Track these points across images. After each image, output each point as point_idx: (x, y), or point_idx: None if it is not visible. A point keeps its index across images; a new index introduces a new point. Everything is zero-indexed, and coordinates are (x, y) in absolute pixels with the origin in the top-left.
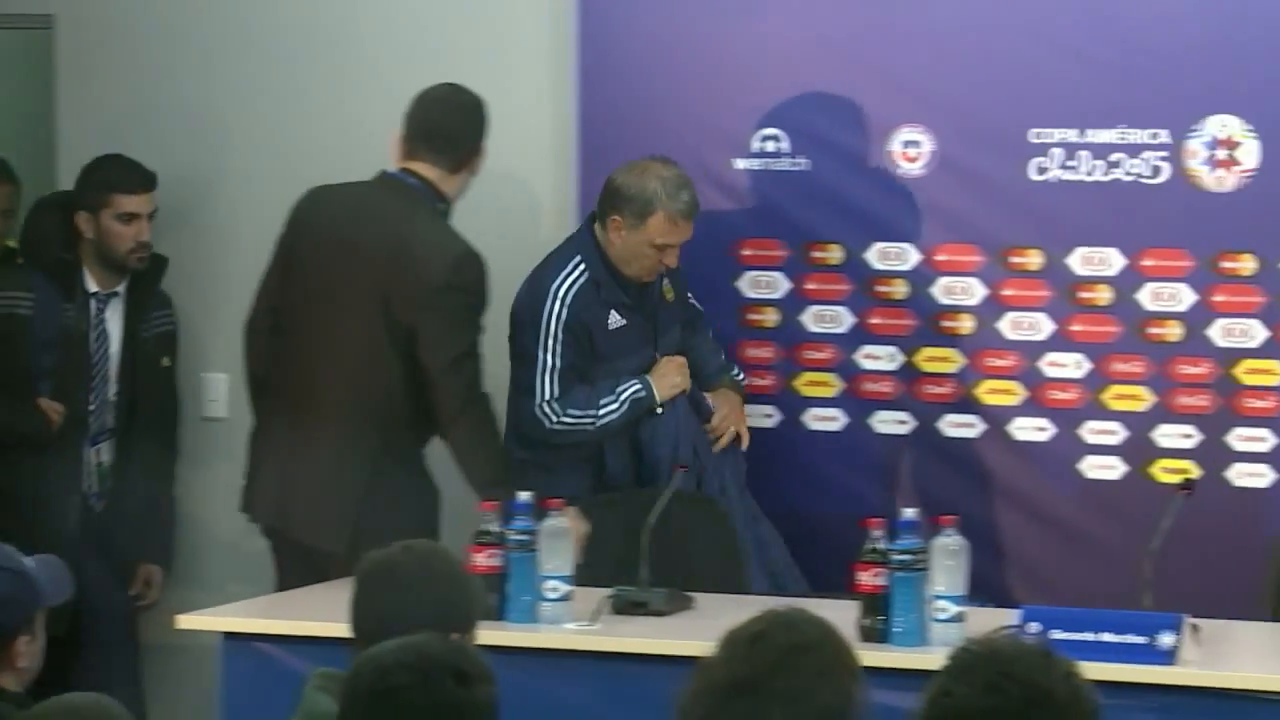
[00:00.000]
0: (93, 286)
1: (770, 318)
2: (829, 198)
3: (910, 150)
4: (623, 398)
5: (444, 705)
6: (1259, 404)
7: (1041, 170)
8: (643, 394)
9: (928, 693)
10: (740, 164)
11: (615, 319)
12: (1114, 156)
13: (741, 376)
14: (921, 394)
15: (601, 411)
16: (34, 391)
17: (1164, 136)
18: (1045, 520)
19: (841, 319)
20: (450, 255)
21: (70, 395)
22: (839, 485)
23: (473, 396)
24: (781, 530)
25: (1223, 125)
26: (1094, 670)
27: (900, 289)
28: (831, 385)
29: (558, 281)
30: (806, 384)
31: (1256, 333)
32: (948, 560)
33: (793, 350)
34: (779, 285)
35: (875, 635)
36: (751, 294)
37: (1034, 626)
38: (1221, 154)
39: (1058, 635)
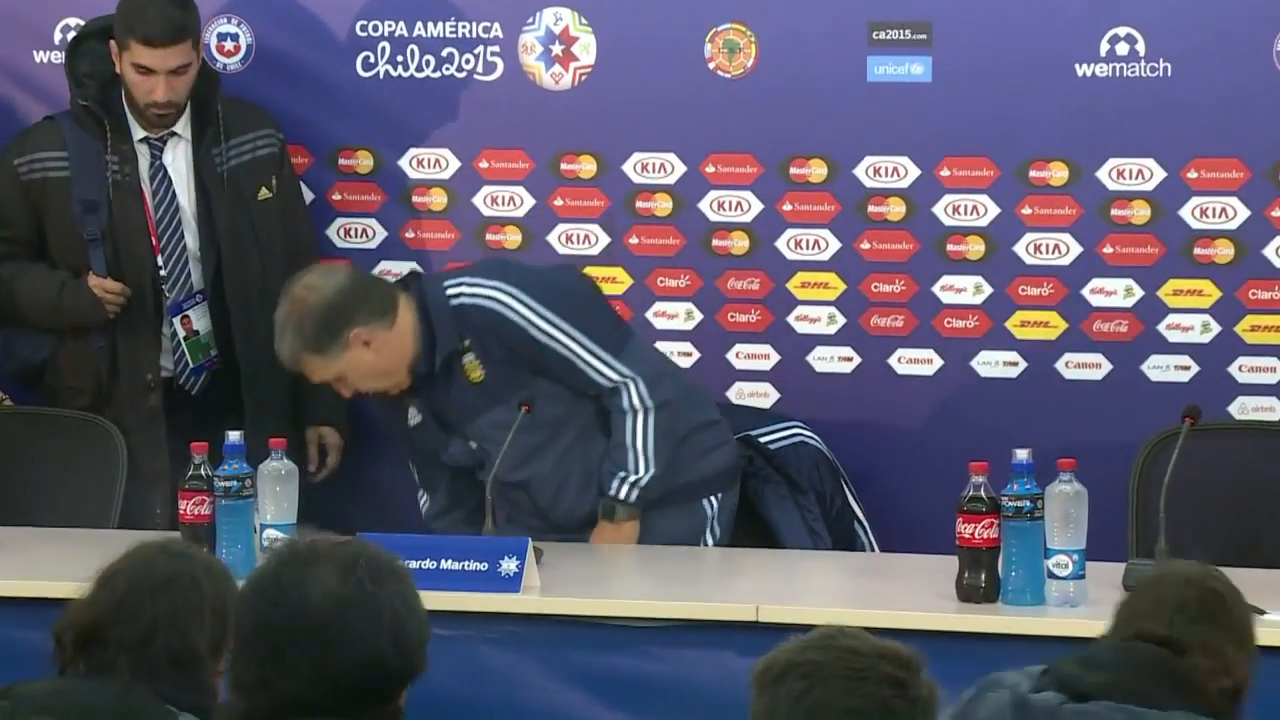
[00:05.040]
0: (139, 132)
1: None
2: None
3: (228, 43)
4: None
5: None
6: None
7: (369, 66)
8: None
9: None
10: (41, 56)
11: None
12: (445, 51)
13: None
14: None
15: None
16: (84, 265)
17: (497, 30)
18: None
19: None
20: None
21: (131, 260)
22: None
23: None
24: None
25: (557, 18)
26: (435, 599)
27: None
28: None
29: None
30: None
31: (599, 237)
32: None
33: None
34: None
35: None
36: None
37: None
38: (558, 49)
39: None
